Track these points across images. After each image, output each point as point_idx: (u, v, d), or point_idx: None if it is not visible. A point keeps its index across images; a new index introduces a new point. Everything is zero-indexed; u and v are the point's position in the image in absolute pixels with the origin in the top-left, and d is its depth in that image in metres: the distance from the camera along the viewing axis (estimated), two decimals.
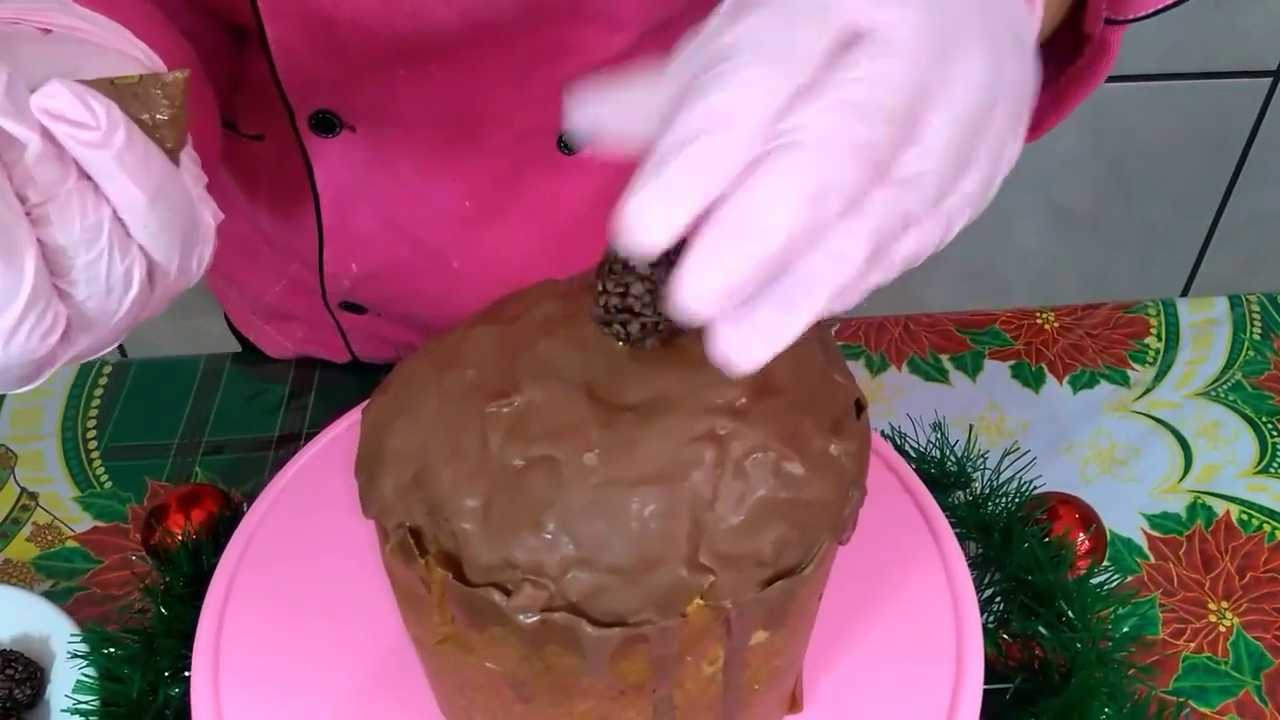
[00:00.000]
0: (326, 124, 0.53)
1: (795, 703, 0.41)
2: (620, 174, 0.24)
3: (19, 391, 0.33)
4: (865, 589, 0.45)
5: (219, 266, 0.70)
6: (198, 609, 0.46)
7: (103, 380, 0.66)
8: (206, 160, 0.38)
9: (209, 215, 0.34)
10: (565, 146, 0.53)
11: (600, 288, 0.31)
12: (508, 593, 0.31)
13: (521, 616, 0.30)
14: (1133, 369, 0.67)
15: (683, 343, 0.32)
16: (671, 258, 0.31)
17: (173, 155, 0.30)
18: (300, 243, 0.58)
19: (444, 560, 0.32)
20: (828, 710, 0.42)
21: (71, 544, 0.57)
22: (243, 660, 0.44)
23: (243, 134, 0.57)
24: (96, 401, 0.65)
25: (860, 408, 0.35)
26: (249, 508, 0.50)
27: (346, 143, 0.53)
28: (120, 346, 1.25)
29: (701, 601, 0.31)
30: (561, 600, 0.30)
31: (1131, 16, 0.45)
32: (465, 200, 0.55)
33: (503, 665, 0.33)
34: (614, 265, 0.31)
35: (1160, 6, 0.45)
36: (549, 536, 0.30)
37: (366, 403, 0.37)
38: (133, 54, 0.34)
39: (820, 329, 0.36)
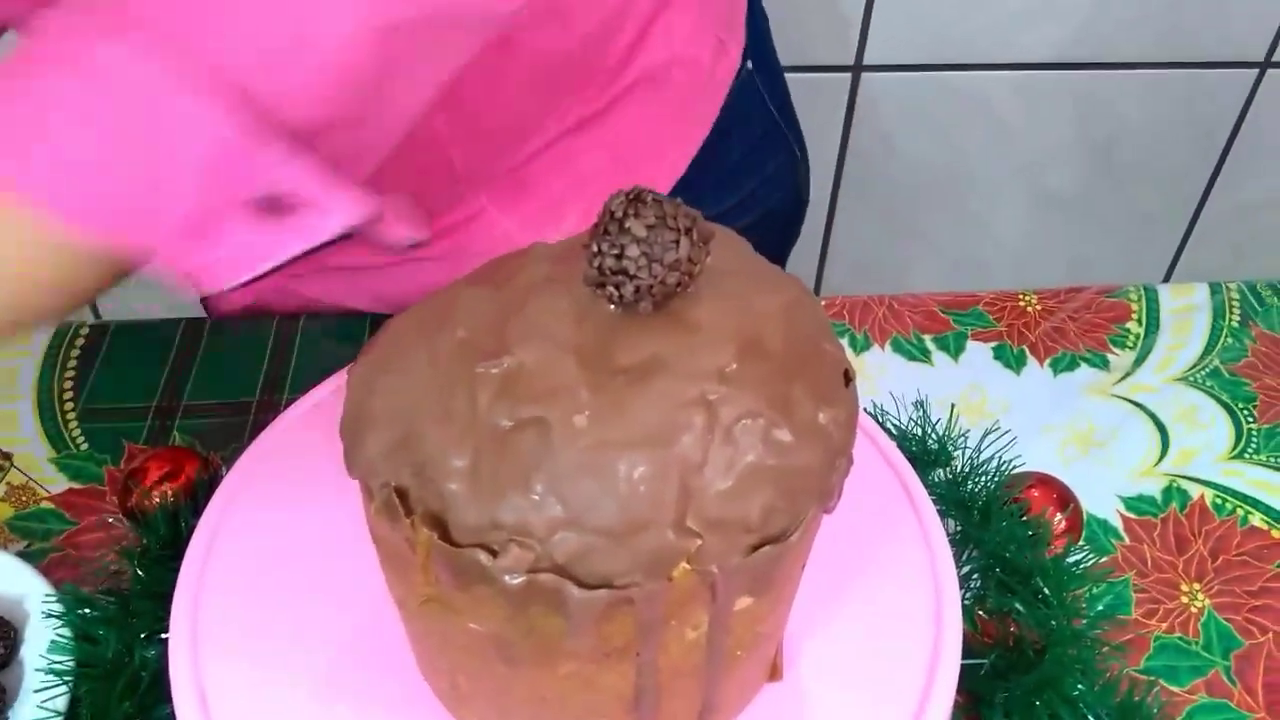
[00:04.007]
0: None
1: (775, 671, 0.41)
2: None
3: None
4: (847, 561, 0.45)
5: None
6: (175, 571, 0.45)
7: (79, 341, 0.66)
8: None
9: None
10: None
11: (595, 249, 0.31)
12: (494, 553, 0.31)
13: (507, 577, 0.30)
14: (1113, 353, 0.67)
15: (676, 306, 0.32)
16: (668, 221, 0.31)
17: None
18: None
19: (430, 520, 0.32)
20: (807, 679, 0.42)
21: (46, 505, 0.57)
22: (220, 622, 0.43)
23: None
24: (73, 363, 0.64)
25: (848, 378, 0.35)
26: (228, 470, 0.50)
27: None
28: (94, 308, 1.23)
29: (688, 565, 0.31)
30: (548, 561, 0.30)
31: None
32: None
33: (487, 626, 0.33)
34: (609, 226, 0.31)
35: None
36: (537, 497, 0.30)
37: (353, 363, 0.36)
38: None
39: (809, 296, 0.36)
